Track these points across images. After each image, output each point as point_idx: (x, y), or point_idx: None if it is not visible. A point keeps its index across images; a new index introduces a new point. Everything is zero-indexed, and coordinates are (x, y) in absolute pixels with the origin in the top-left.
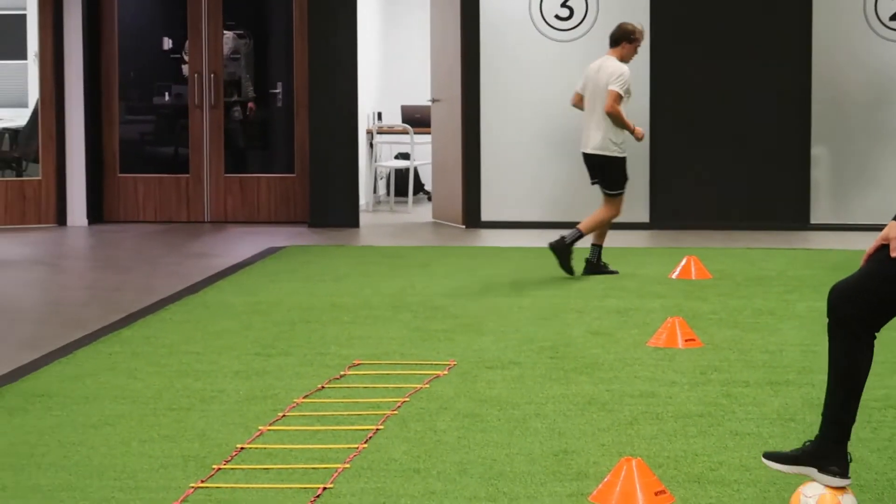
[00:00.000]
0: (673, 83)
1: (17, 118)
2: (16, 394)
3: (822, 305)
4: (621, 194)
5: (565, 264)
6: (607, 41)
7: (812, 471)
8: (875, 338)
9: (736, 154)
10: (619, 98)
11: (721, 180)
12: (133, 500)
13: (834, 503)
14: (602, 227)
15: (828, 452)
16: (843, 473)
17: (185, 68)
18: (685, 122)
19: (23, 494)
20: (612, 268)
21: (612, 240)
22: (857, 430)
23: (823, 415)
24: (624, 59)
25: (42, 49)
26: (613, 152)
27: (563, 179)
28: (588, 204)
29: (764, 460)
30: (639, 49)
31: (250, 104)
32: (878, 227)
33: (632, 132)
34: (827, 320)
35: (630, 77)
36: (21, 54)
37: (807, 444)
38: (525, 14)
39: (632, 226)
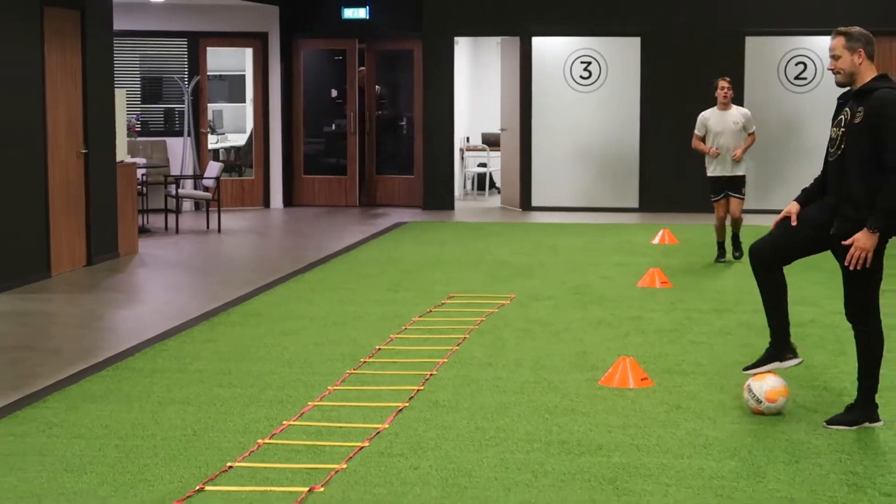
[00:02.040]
0: (655, 120)
1: (239, 140)
2: (237, 313)
3: None
4: (712, 201)
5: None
6: (613, 94)
7: (776, 364)
8: (783, 270)
9: (694, 163)
10: (694, 136)
11: (686, 179)
12: (311, 381)
13: (779, 395)
14: (716, 230)
15: (781, 348)
16: (795, 355)
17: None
18: (666, 142)
19: (242, 377)
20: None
21: (614, 218)
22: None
23: (770, 327)
24: (717, 104)
25: (255, 96)
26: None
27: (585, 178)
28: (602, 195)
29: (744, 371)
30: (721, 94)
31: (402, 123)
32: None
33: (707, 153)
34: (751, 267)
35: (702, 118)
36: (242, 99)
37: (767, 350)
38: (560, 74)
39: (627, 209)
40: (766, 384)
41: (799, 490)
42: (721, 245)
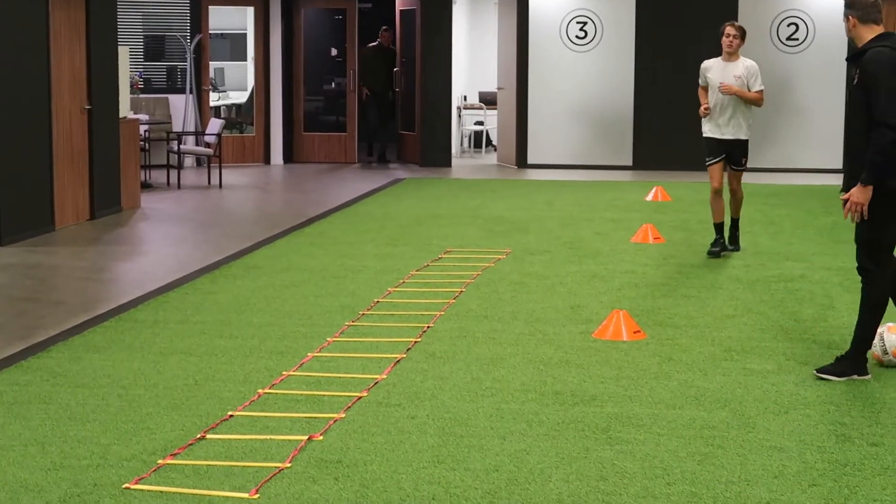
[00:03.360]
0: (649, 79)
1: (241, 97)
2: (238, 266)
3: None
4: (707, 165)
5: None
6: (608, 54)
7: (854, 377)
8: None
9: (687, 122)
10: (700, 87)
11: (680, 138)
12: (311, 332)
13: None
14: (711, 205)
15: (858, 360)
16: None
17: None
18: (660, 101)
19: (242, 328)
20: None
21: (608, 175)
22: (759, 293)
23: (856, 335)
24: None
25: (256, 54)
26: None
27: (580, 136)
28: (596, 153)
29: (817, 374)
30: (726, 42)
31: (396, 90)
32: (776, 170)
33: (701, 106)
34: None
35: (702, 68)
36: (243, 57)
37: (838, 358)
38: (556, 34)
39: (621, 167)
40: None
41: (788, 440)
42: (719, 228)
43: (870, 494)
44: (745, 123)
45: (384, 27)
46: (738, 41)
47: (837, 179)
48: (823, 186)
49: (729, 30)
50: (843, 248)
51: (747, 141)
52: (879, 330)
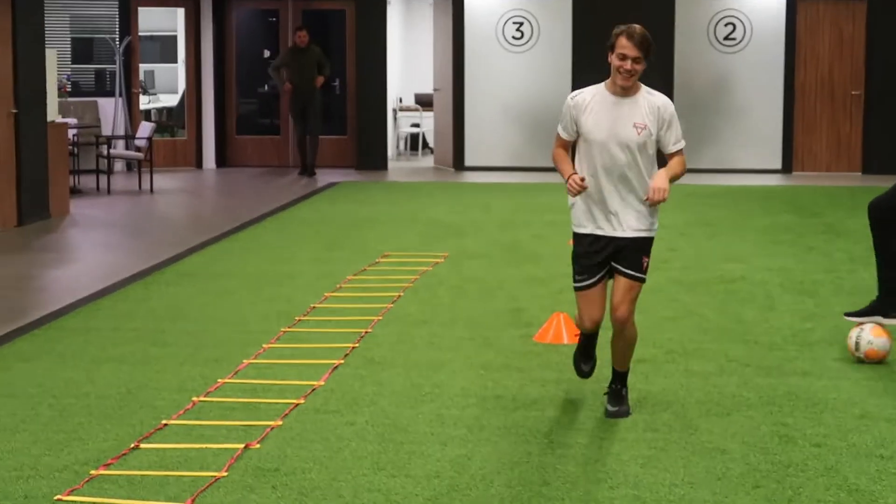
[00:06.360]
0: (586, 80)
1: (172, 101)
2: (171, 273)
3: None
4: (576, 288)
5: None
6: (544, 54)
7: (878, 318)
8: None
9: None
10: (556, 139)
11: None
12: (246, 339)
13: (880, 333)
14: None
15: (888, 306)
16: None
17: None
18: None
19: (176, 336)
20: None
21: (546, 177)
22: (699, 295)
23: (879, 280)
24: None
25: (187, 56)
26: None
27: (517, 138)
28: (533, 155)
29: (845, 317)
30: (622, 66)
31: (327, 82)
32: (713, 171)
33: (567, 184)
34: (869, 222)
35: (572, 107)
36: (174, 59)
37: (872, 302)
38: (493, 35)
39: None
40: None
41: (731, 441)
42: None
43: (813, 495)
44: (656, 209)
45: (298, 27)
46: (640, 66)
47: (775, 180)
48: (761, 187)
49: (625, 47)
50: (782, 249)
51: (652, 239)
52: (854, 335)
